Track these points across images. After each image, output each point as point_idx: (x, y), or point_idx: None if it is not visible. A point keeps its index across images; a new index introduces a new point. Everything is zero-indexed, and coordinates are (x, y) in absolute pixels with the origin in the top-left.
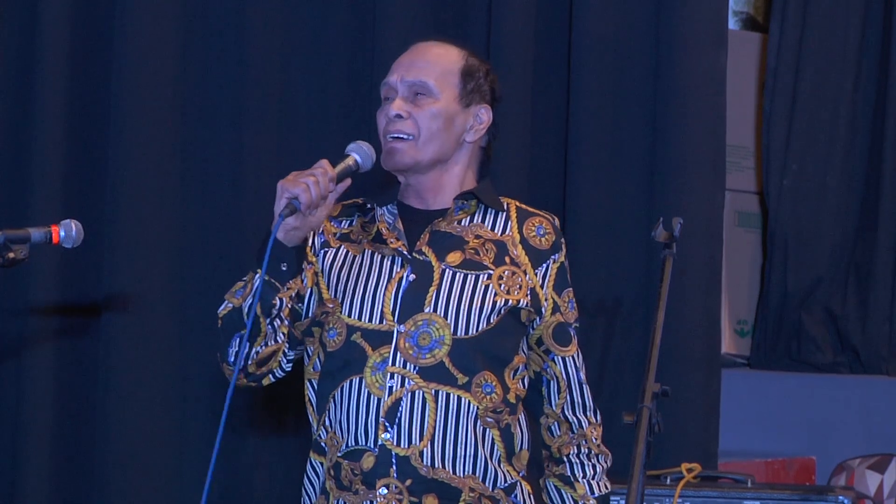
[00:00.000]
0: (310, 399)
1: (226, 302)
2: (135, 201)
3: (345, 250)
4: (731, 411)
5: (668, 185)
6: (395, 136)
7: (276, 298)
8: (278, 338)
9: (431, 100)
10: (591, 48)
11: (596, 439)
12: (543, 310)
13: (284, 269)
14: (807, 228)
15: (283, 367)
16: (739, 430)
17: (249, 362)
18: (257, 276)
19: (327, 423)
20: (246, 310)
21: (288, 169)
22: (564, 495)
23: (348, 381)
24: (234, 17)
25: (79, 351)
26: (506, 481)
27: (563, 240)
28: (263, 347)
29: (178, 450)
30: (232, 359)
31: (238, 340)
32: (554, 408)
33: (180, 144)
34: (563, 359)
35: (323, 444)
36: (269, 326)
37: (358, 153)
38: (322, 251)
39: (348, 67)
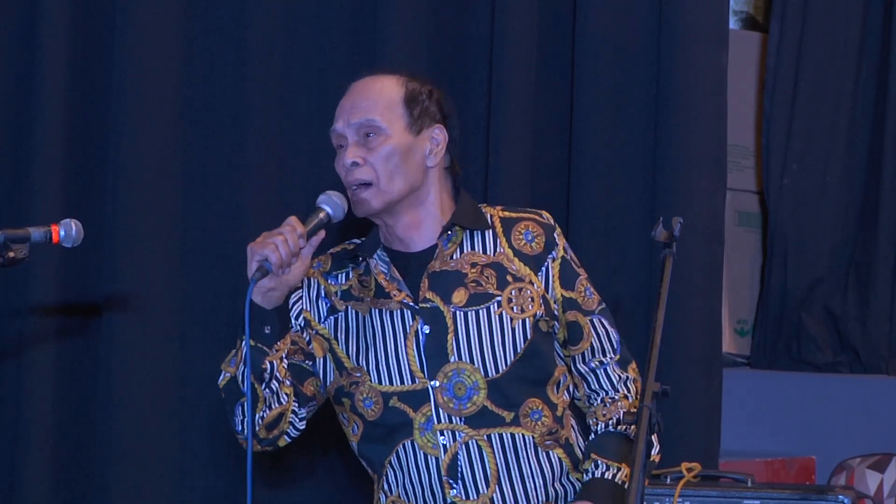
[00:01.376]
0: (360, 459)
1: (223, 373)
2: (135, 201)
3: (353, 311)
4: (731, 411)
5: (669, 185)
6: (357, 184)
7: (266, 362)
8: (282, 399)
9: (382, 138)
10: (593, 49)
11: (605, 414)
12: (556, 312)
13: (268, 332)
14: (807, 228)
15: (297, 426)
16: (739, 429)
17: (257, 429)
18: (244, 342)
19: (386, 487)
20: (240, 378)
21: (288, 169)
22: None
23: (401, 446)
24: (235, 16)
25: (79, 351)
26: (575, 492)
27: (556, 233)
28: (267, 412)
29: (179, 450)
30: (239, 427)
31: (241, 409)
32: (578, 402)
33: (181, 144)
34: (573, 357)
35: None
36: (266, 390)
37: (329, 205)
38: (331, 318)
39: (349, 67)
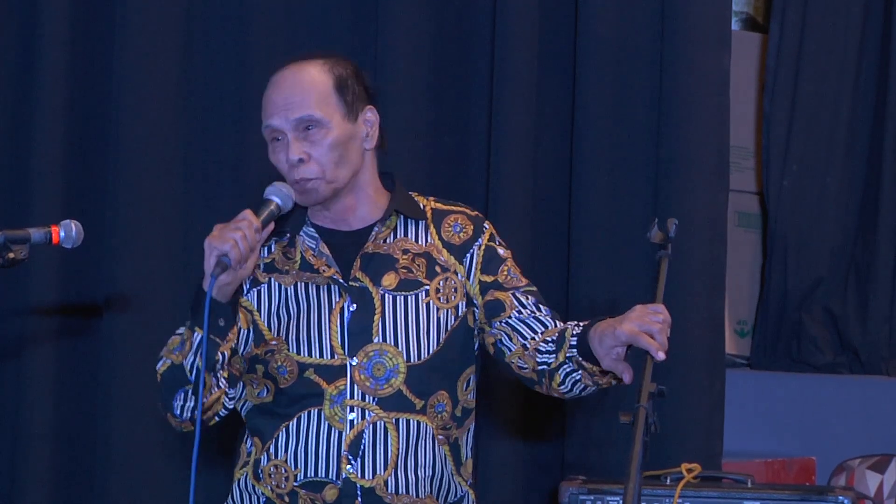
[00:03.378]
0: (248, 418)
1: (163, 359)
2: (136, 201)
3: (276, 283)
4: (731, 411)
5: (671, 186)
6: (303, 179)
7: (219, 353)
8: (221, 384)
9: (324, 131)
10: (595, 49)
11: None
12: (475, 300)
13: (222, 324)
14: (807, 228)
15: (227, 406)
16: (739, 430)
17: (196, 412)
18: (196, 334)
19: (272, 450)
20: (188, 367)
21: None
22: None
23: (306, 413)
24: (237, 16)
25: (79, 351)
26: (457, 494)
27: (486, 224)
28: (208, 397)
29: (179, 451)
30: (178, 412)
31: (183, 395)
32: (513, 349)
33: (182, 144)
34: (502, 321)
35: (260, 471)
36: (213, 378)
37: (278, 196)
38: (253, 290)
39: None
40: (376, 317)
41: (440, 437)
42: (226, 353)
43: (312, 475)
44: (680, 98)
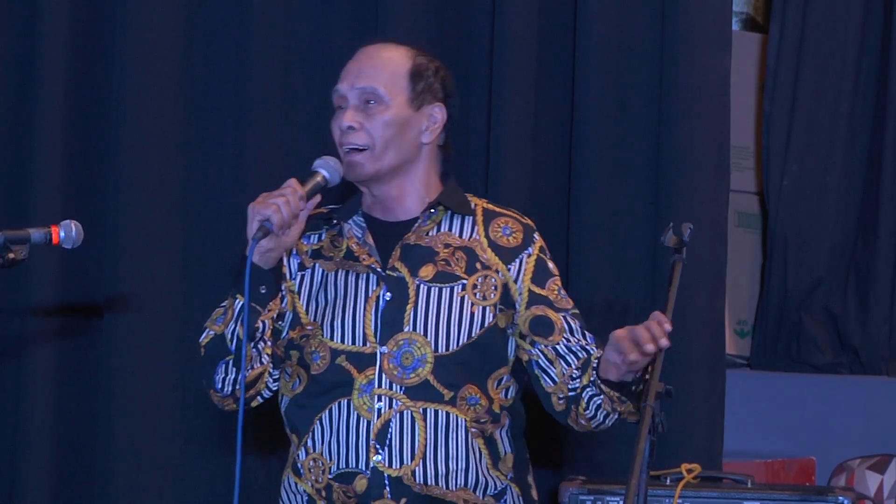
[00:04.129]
0: (286, 415)
1: (207, 330)
2: (136, 201)
3: (319, 269)
4: (731, 411)
5: (672, 186)
6: (350, 147)
7: (259, 322)
8: (263, 359)
9: (382, 107)
10: (595, 49)
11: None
12: (518, 304)
13: (264, 291)
14: (807, 228)
15: (270, 387)
16: (739, 430)
17: (238, 387)
18: (237, 301)
19: (309, 444)
20: (229, 336)
21: (290, 168)
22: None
23: (336, 404)
24: (237, 15)
25: (79, 351)
26: (496, 488)
27: (535, 234)
28: (250, 371)
29: (179, 451)
30: (219, 385)
31: (224, 367)
32: (557, 381)
33: (182, 144)
34: (546, 346)
35: (300, 466)
36: (255, 350)
37: (325, 169)
38: (298, 274)
39: None
40: (409, 306)
41: (474, 430)
42: (266, 322)
43: (344, 466)
44: (680, 98)
